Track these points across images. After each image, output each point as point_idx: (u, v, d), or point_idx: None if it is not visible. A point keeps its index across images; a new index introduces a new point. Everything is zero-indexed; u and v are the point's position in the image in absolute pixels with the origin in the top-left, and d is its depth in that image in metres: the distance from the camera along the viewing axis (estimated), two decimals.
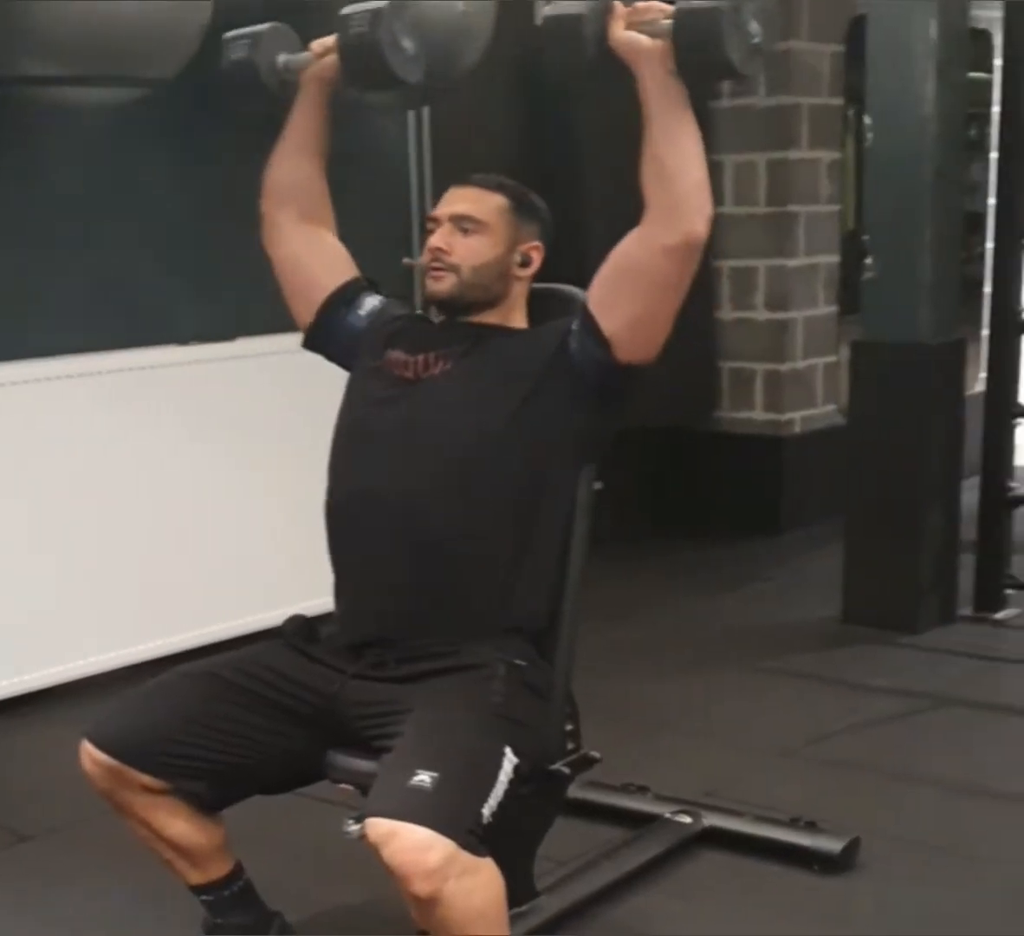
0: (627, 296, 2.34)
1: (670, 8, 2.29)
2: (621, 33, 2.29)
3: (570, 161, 5.32)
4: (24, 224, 4.04)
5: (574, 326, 2.40)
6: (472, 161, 5.13)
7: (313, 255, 2.62)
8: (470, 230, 2.45)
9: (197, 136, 4.30)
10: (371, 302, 2.62)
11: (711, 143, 5.60)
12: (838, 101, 5.87)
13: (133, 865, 2.84)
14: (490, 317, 2.50)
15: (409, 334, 2.54)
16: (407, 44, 2.50)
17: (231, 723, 2.36)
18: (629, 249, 2.35)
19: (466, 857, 2.08)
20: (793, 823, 3.11)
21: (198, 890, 2.49)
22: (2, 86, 3.72)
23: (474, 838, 2.11)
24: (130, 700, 2.41)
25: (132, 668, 4.00)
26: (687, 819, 3.15)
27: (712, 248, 5.72)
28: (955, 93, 4.50)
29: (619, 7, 2.32)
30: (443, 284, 2.46)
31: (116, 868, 2.99)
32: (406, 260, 4.66)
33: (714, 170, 5.61)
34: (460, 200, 2.49)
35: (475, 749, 2.21)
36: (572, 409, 2.41)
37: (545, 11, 2.36)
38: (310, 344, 2.66)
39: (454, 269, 2.45)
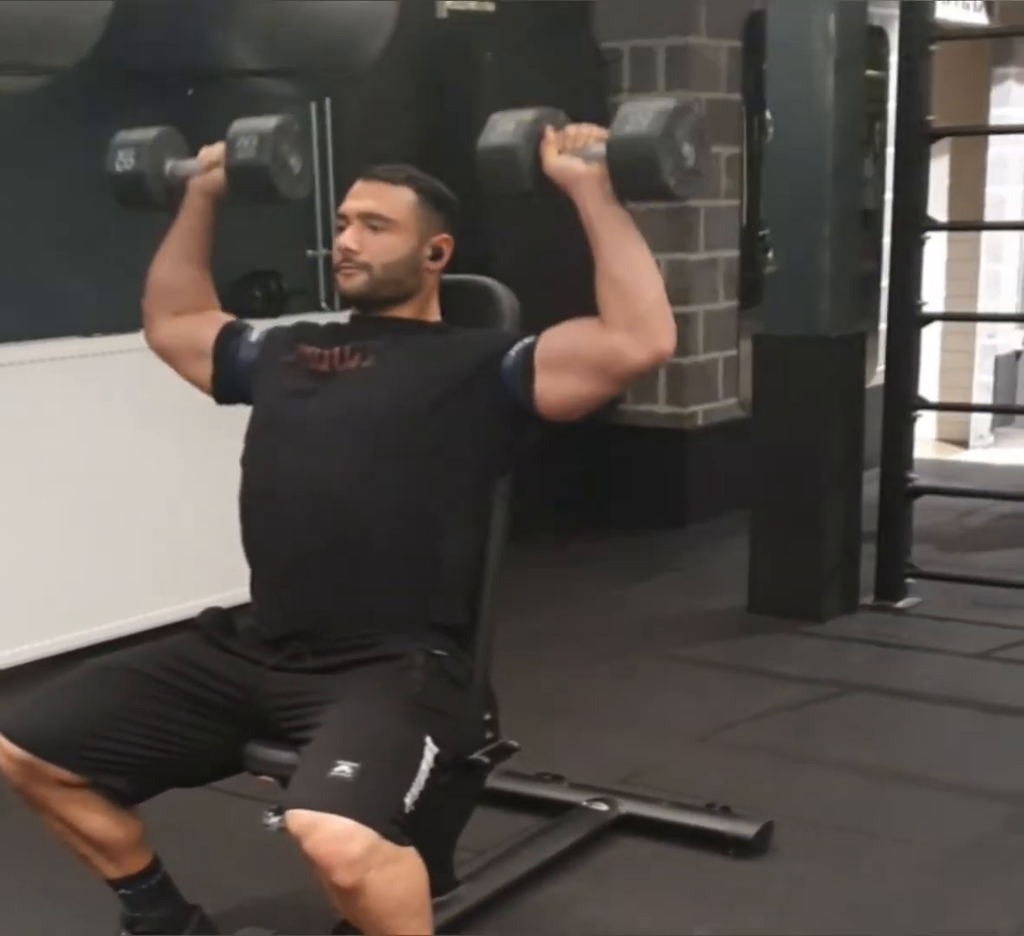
0: (575, 380, 2.34)
1: (601, 132, 2.30)
2: (554, 159, 2.31)
3: (470, 150, 5.31)
4: None
5: (512, 352, 2.39)
6: (373, 150, 5.14)
7: (192, 333, 2.64)
8: (379, 228, 2.44)
9: (93, 128, 4.23)
10: (256, 333, 2.63)
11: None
12: (736, 96, 5.92)
13: (41, 859, 2.81)
14: (404, 311, 2.49)
15: (320, 333, 2.54)
16: (293, 162, 2.54)
17: (150, 717, 2.33)
18: (589, 344, 2.32)
19: (388, 847, 2.07)
20: (708, 809, 3.14)
21: (116, 885, 2.46)
22: None
23: (396, 827, 2.10)
24: (45, 694, 2.37)
25: (42, 662, 3.95)
26: (603, 807, 3.17)
27: None
28: (854, 89, 4.57)
29: (550, 134, 2.33)
30: (355, 282, 2.45)
31: (23, 863, 2.95)
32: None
33: None
34: (368, 196, 2.46)
35: (396, 739, 2.20)
36: (488, 416, 2.41)
37: (480, 142, 2.38)
38: (224, 399, 2.64)
39: (365, 267, 2.43)
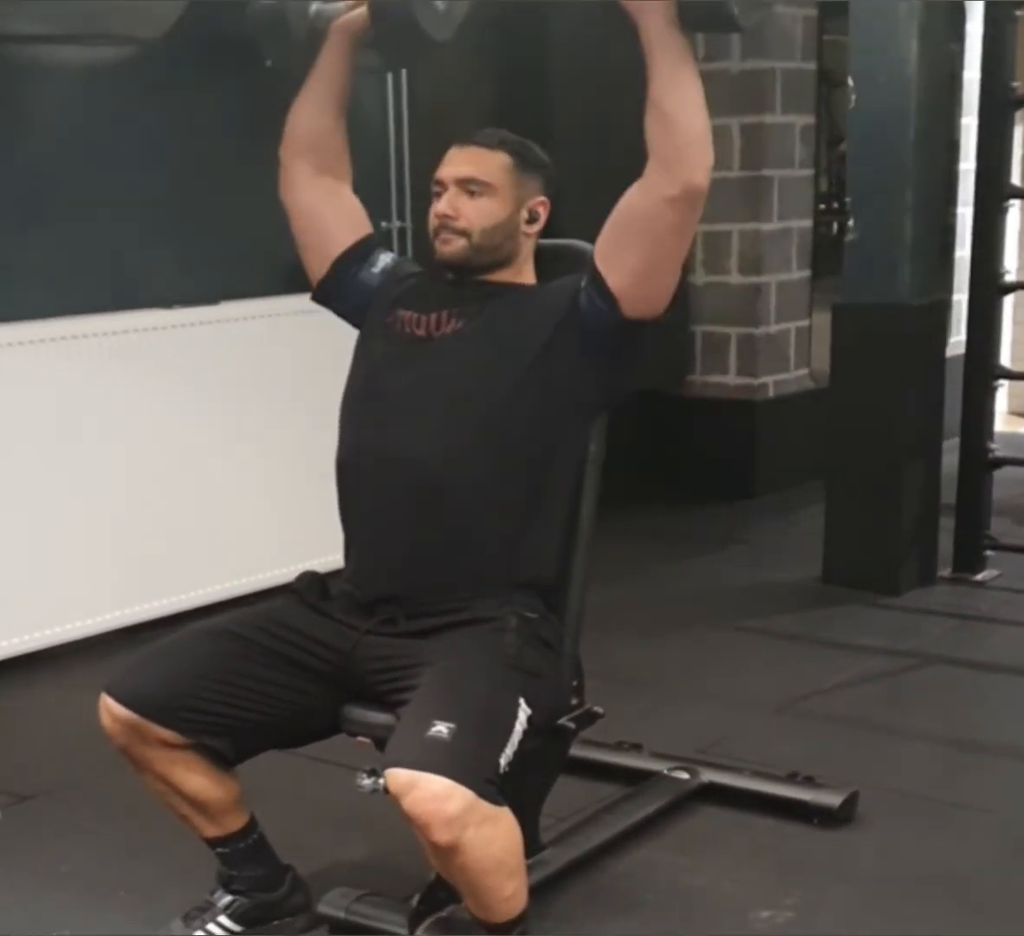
0: (630, 249, 2.34)
1: None
2: None
3: (543, 117, 5.31)
4: (6, 185, 3.99)
5: (583, 283, 2.40)
6: (449, 120, 5.14)
7: (329, 208, 2.61)
8: (476, 192, 2.43)
9: (181, 97, 4.27)
10: (385, 259, 2.62)
11: None
12: (812, 65, 5.87)
13: (135, 821, 2.89)
14: (501, 275, 2.49)
15: (421, 292, 2.53)
16: (440, 2, 2.49)
17: (249, 679, 2.36)
18: (631, 201, 2.35)
19: (485, 806, 2.10)
20: (791, 778, 3.14)
21: (214, 843, 2.50)
22: None
23: (492, 787, 2.13)
24: (148, 656, 2.40)
25: (141, 626, 4.00)
26: (685, 775, 3.16)
27: None
28: (937, 56, 4.51)
29: None
30: (453, 247, 2.44)
31: (119, 824, 3.00)
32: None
33: None
34: (463, 161, 2.46)
35: (491, 700, 2.23)
36: (583, 366, 2.41)
37: None
38: (320, 297, 2.65)
39: (463, 233, 2.43)
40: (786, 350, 5.95)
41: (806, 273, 5.98)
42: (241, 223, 4.48)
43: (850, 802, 3.06)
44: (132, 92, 4.16)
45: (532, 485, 2.42)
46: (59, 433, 3.95)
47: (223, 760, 2.39)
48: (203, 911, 2.53)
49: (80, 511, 4.00)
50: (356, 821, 2.74)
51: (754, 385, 5.85)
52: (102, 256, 4.21)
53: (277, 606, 2.50)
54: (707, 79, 5.78)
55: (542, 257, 2.57)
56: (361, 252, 2.60)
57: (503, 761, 2.18)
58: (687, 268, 5.82)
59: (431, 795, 2.06)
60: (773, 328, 5.87)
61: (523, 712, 2.25)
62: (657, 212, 2.31)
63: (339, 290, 2.61)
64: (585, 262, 2.45)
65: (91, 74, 4.00)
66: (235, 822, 2.48)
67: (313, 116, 2.62)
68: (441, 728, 2.12)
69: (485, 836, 2.12)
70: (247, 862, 2.51)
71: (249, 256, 4.50)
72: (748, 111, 5.70)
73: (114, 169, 4.21)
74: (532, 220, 2.49)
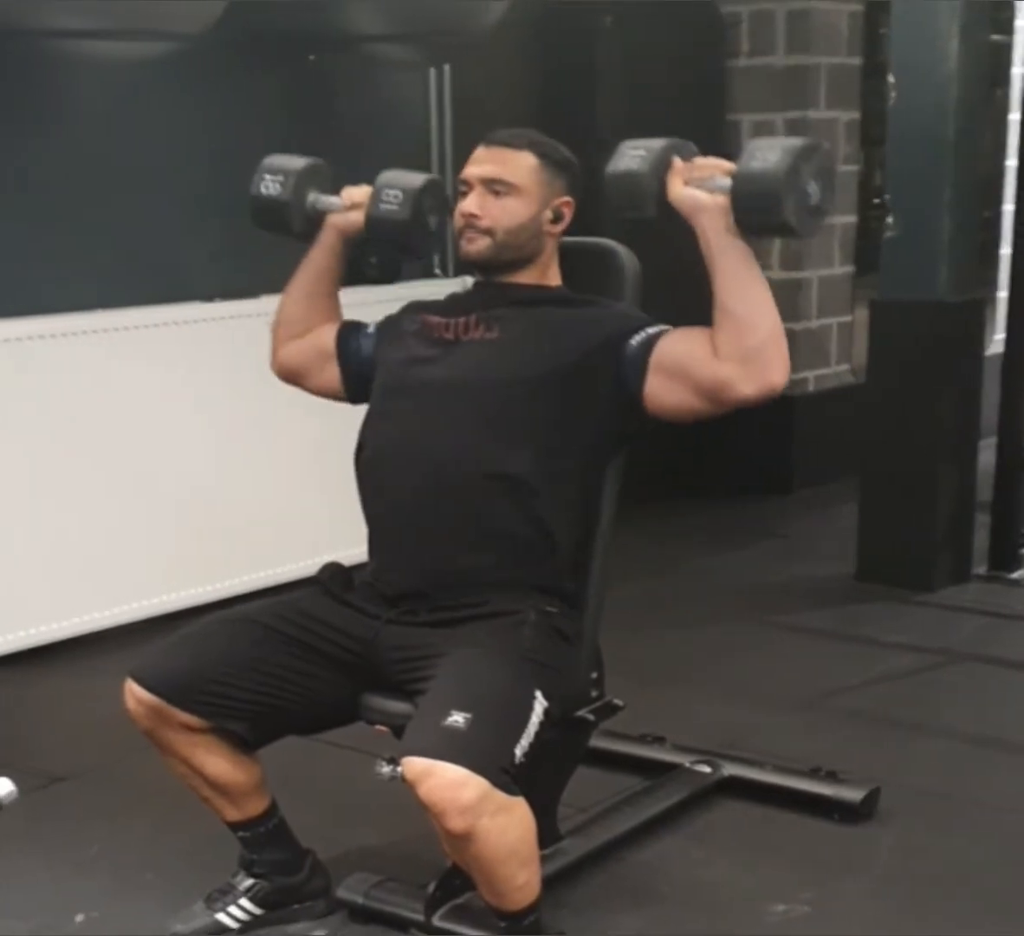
0: (682, 394, 2.37)
1: (728, 165, 2.33)
2: (680, 189, 2.34)
3: (588, 114, 5.33)
4: (51, 180, 4.07)
5: (635, 341, 2.40)
6: (491, 116, 5.16)
7: (310, 344, 2.71)
8: (501, 192, 2.46)
9: (223, 91, 4.32)
10: (372, 324, 2.68)
11: (729, 102, 5.70)
12: (857, 61, 5.86)
13: (161, 804, 2.94)
14: (526, 275, 2.52)
15: (443, 303, 2.57)
16: (432, 221, 2.59)
17: (270, 666, 2.41)
18: (704, 372, 2.33)
19: (499, 795, 2.13)
20: (813, 773, 3.15)
21: (235, 827, 2.54)
22: (30, 39, 3.73)
23: (507, 777, 2.16)
24: (173, 642, 2.45)
25: (168, 616, 4.06)
26: (706, 768, 3.19)
27: None
28: (978, 54, 4.50)
29: (678, 164, 2.36)
30: (478, 246, 2.48)
31: (144, 807, 3.06)
32: None
33: (731, 129, 5.70)
34: (489, 161, 2.49)
35: (507, 691, 2.26)
36: (604, 395, 2.43)
37: (608, 167, 2.42)
38: (360, 397, 2.66)
39: (488, 232, 2.46)
40: (827, 345, 5.95)
41: (849, 269, 5.98)
42: None
43: (872, 798, 3.07)
44: (175, 87, 4.23)
45: (552, 483, 2.44)
46: (98, 424, 4.03)
47: (244, 744, 2.44)
48: (224, 893, 2.58)
49: (117, 501, 4.08)
50: (377, 808, 2.78)
51: (794, 380, 5.83)
52: (144, 250, 4.28)
53: (301, 596, 2.54)
54: (752, 74, 5.84)
55: (567, 255, 2.60)
56: (349, 330, 2.68)
57: (519, 752, 2.21)
58: None
59: (446, 783, 2.10)
60: (814, 323, 5.87)
61: (539, 704, 2.28)
62: (725, 398, 2.33)
63: (361, 373, 2.64)
64: (612, 264, 2.54)
65: (135, 69, 4.07)
66: (256, 806, 2.52)
67: (301, 309, 2.71)
68: (458, 718, 2.15)
69: (499, 825, 2.15)
70: (268, 846, 2.56)
71: (290, 250, 4.54)
72: (792, 106, 5.69)
73: (157, 163, 4.28)
74: (557, 219, 2.51)
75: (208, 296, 4.34)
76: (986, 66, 4.69)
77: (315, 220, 2.68)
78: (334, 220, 2.66)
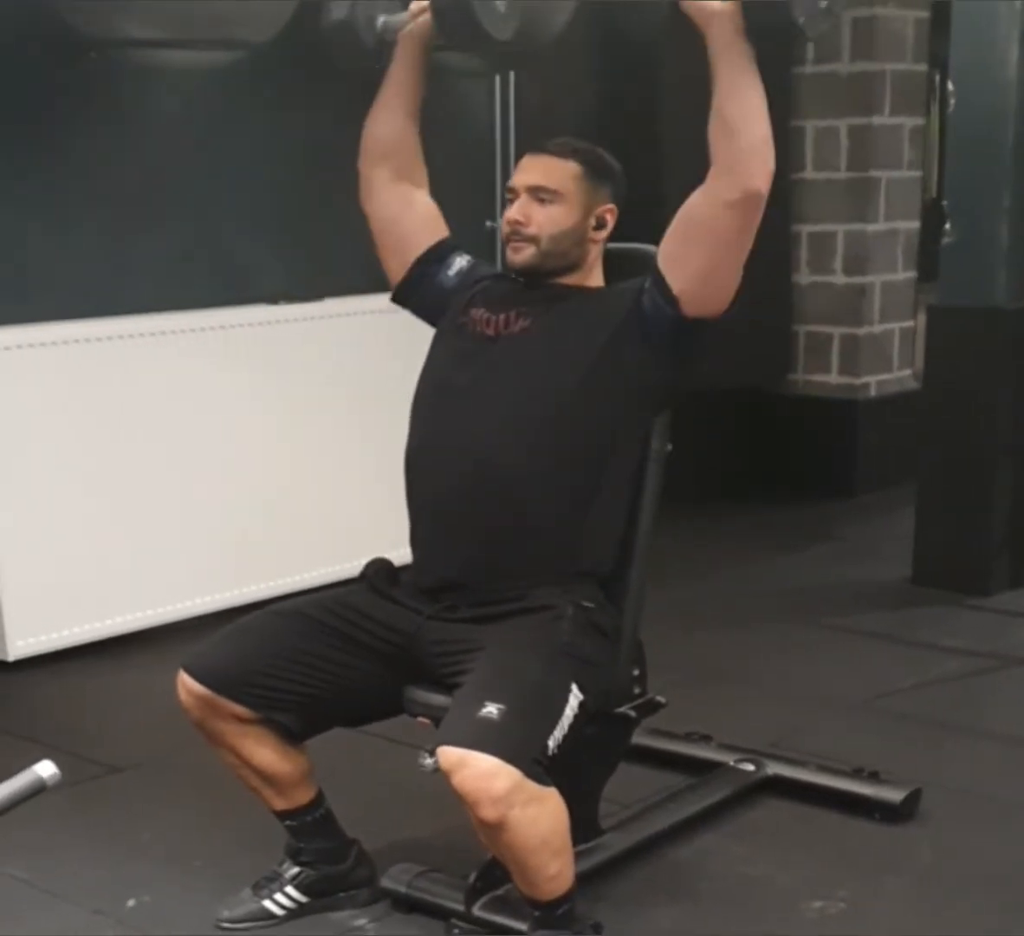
0: (692, 251, 2.43)
1: None
2: None
3: (650, 122, 5.38)
4: (121, 184, 4.18)
5: (646, 284, 2.48)
6: (555, 124, 5.22)
7: (407, 213, 2.72)
8: (546, 200, 2.53)
9: (288, 99, 4.42)
10: (460, 262, 2.72)
11: (794, 108, 5.72)
12: (922, 67, 5.87)
13: (213, 794, 3.01)
14: (570, 279, 2.59)
15: (493, 293, 2.63)
16: (500, 2, 2.60)
17: (317, 659, 2.48)
18: (693, 205, 2.43)
19: (531, 786, 2.19)
20: (856, 773, 3.18)
21: (283, 816, 2.62)
22: (103, 49, 3.84)
23: (539, 768, 2.22)
24: (224, 635, 2.54)
25: (222, 613, 4.13)
26: (751, 767, 3.23)
27: (790, 212, 5.77)
28: None
29: None
30: (523, 254, 2.55)
31: (197, 797, 3.14)
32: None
33: (795, 135, 5.73)
34: (535, 170, 2.56)
35: (542, 683, 2.32)
36: (644, 364, 2.50)
37: None
38: (399, 298, 2.76)
39: (533, 240, 2.54)
40: (889, 350, 5.95)
41: (912, 274, 5.98)
42: (345, 222, 4.61)
43: (913, 798, 3.10)
44: (242, 95, 4.33)
45: (592, 478, 2.51)
46: (164, 424, 4.13)
47: (291, 735, 2.52)
48: (271, 881, 2.66)
49: (178, 500, 4.18)
50: (421, 799, 2.82)
51: (856, 384, 5.86)
52: (212, 254, 4.38)
53: (348, 590, 2.62)
54: (817, 81, 5.84)
55: (611, 261, 2.66)
56: (438, 255, 2.71)
57: (552, 743, 2.27)
58: (792, 267, 5.87)
59: (479, 773, 2.16)
60: (877, 328, 5.88)
61: (575, 697, 2.34)
62: (718, 216, 2.39)
63: (417, 291, 2.72)
64: (650, 265, 2.53)
65: (202, 77, 4.17)
66: (303, 796, 2.60)
67: (388, 124, 2.73)
68: (492, 709, 2.22)
69: (531, 815, 2.21)
70: (314, 835, 2.63)
71: (352, 254, 4.63)
72: (857, 112, 5.71)
73: (224, 169, 4.38)
74: (600, 226, 2.58)
75: (273, 299, 4.43)
76: None
77: (390, 43, 2.71)
78: (406, 32, 2.69)
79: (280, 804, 2.60)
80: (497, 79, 5.08)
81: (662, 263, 2.47)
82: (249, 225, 4.46)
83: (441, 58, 4.66)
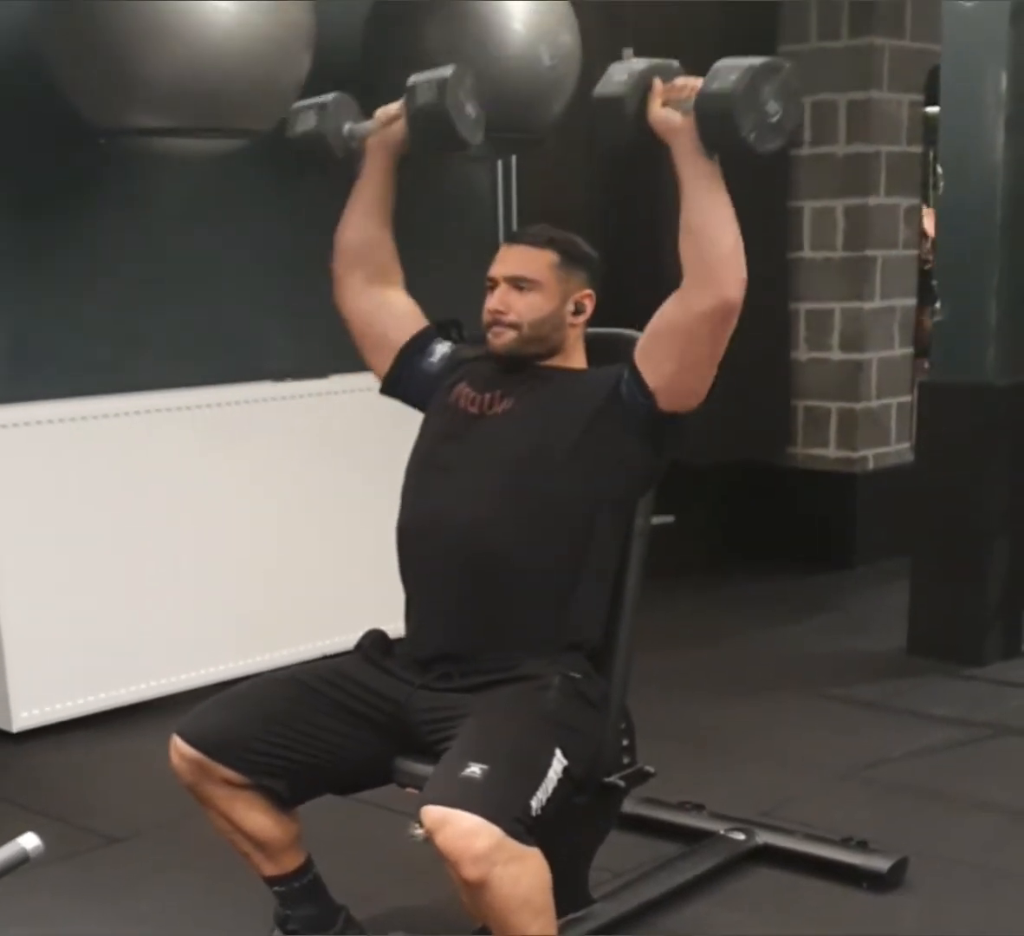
0: (667, 354, 2.51)
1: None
2: (658, 110, 2.46)
3: (651, 204, 5.48)
4: (130, 265, 4.32)
5: (625, 374, 2.57)
6: (557, 203, 5.35)
7: (383, 312, 2.81)
8: (525, 288, 2.61)
9: (290, 184, 4.55)
10: (442, 348, 2.81)
11: (791, 189, 5.85)
12: (917, 149, 6.00)
13: (215, 865, 3.03)
14: (551, 362, 2.67)
15: (477, 373, 2.72)
16: (470, 109, 2.69)
17: (310, 726, 2.54)
18: (668, 310, 2.52)
19: (513, 844, 2.23)
20: (844, 842, 3.23)
21: (271, 881, 2.67)
22: (111, 137, 3.97)
23: (521, 827, 2.26)
24: (218, 701, 2.61)
25: (221, 685, 4.14)
26: (741, 836, 3.27)
27: (788, 290, 5.88)
28: None
29: (658, 85, 2.47)
30: (505, 340, 2.64)
31: (199, 867, 3.18)
32: None
33: (793, 215, 5.85)
34: (512, 260, 2.64)
35: (524, 746, 2.38)
36: (624, 446, 2.58)
37: (595, 91, 2.51)
38: (388, 391, 2.85)
39: (514, 326, 2.62)
40: (887, 424, 6.04)
41: (909, 350, 6.08)
42: None
43: (899, 867, 3.14)
44: (249, 178, 4.45)
45: (577, 554, 2.58)
46: (168, 499, 4.23)
47: (281, 801, 2.57)
48: None
49: (181, 573, 4.26)
50: (411, 867, 2.85)
51: (853, 458, 5.95)
52: (218, 332, 4.49)
53: (342, 660, 2.69)
54: (813, 163, 5.96)
55: (594, 345, 2.74)
56: (420, 344, 2.80)
57: (535, 804, 2.31)
58: (791, 344, 5.97)
59: (461, 832, 2.20)
60: (874, 403, 5.97)
61: (558, 762, 2.39)
62: (692, 323, 2.47)
63: (403, 382, 2.81)
64: (629, 350, 2.61)
65: (208, 161, 4.28)
66: (292, 861, 2.65)
67: (360, 231, 2.81)
68: (475, 769, 2.27)
69: (512, 874, 2.24)
70: (302, 901, 2.67)
71: None
72: (852, 193, 5.84)
73: (231, 249, 4.51)
74: (578, 312, 2.66)
75: (279, 376, 4.53)
76: None
77: (356, 150, 2.77)
78: (376, 139, 2.75)
79: (269, 869, 2.65)
80: (499, 163, 5.22)
81: (638, 359, 2.55)
82: (255, 304, 4.58)
83: None
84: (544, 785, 2.34)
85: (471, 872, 2.21)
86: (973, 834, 3.44)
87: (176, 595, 4.25)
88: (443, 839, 2.21)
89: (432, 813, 2.24)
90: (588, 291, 2.67)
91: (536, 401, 2.62)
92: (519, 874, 2.25)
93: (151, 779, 3.42)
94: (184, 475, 4.25)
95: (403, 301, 2.84)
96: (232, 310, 4.53)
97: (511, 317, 2.62)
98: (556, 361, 2.67)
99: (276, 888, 2.67)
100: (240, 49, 3.79)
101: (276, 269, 4.62)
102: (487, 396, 2.65)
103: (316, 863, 2.71)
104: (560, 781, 2.38)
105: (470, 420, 2.65)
